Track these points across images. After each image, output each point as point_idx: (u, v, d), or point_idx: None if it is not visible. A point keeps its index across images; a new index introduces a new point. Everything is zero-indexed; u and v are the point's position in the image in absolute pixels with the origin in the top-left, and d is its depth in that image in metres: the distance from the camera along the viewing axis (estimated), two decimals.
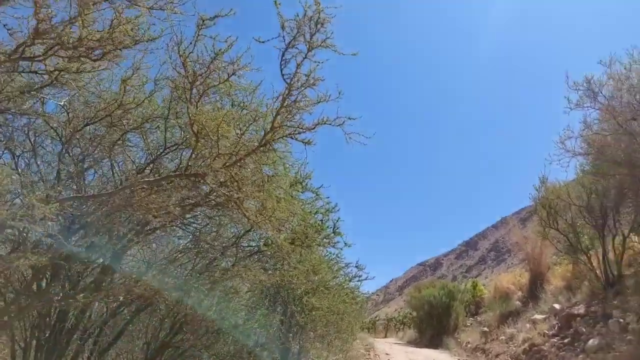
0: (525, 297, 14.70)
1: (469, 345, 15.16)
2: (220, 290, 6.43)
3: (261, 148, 3.46)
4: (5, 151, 4.67)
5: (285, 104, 3.25)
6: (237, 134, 3.63)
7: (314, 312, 7.50)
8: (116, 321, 6.96)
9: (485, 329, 14.98)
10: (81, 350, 6.50)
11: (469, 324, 17.87)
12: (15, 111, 4.24)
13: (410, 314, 27.93)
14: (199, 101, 3.47)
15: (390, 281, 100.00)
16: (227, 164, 3.41)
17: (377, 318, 47.37)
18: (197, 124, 3.40)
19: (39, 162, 5.23)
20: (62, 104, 4.31)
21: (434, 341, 18.64)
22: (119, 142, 5.15)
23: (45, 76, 3.72)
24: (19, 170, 4.91)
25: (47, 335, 6.17)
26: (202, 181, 3.47)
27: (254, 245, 6.71)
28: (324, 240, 6.80)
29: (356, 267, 8.85)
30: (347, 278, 9.00)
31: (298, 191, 6.11)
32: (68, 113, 4.31)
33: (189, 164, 3.56)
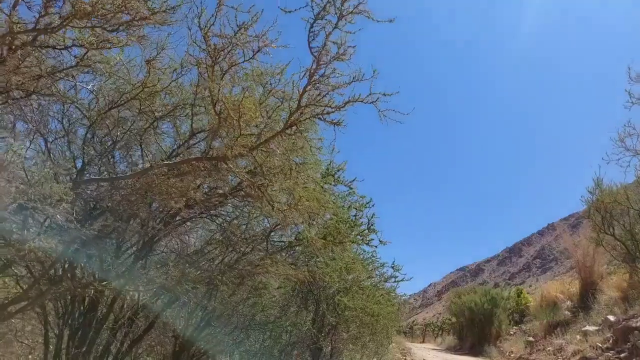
0: (576, 307, 13.76)
1: (512, 355, 14.35)
2: (250, 285, 6.24)
3: (287, 130, 3.19)
4: (36, 135, 4.65)
5: (313, 80, 2.96)
6: (263, 117, 3.38)
7: (346, 312, 7.18)
8: (147, 313, 6.92)
9: (531, 338, 14.15)
10: (112, 340, 6.48)
11: (512, 333, 17.00)
12: (46, 93, 4.19)
13: (450, 320, 27.05)
14: (222, 79, 3.24)
15: (429, 285, 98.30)
16: (252, 147, 3.16)
17: (415, 322, 46.44)
18: (219, 104, 3.18)
19: (72, 149, 5.21)
20: (89, 87, 4.22)
21: (474, 349, 17.87)
22: (149, 128, 5.04)
23: (71, 55, 3.63)
24: (51, 155, 4.89)
25: (79, 323, 6.16)
26: (224, 165, 3.24)
27: (284, 240, 6.48)
28: (358, 237, 6.46)
29: (392, 267, 8.46)
30: (382, 278, 8.62)
31: (330, 184, 5.81)
32: (97, 97, 4.22)
33: (210, 146, 3.34)
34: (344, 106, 2.97)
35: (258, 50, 3.31)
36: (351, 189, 6.10)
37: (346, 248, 6.50)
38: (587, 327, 11.19)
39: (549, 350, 12.21)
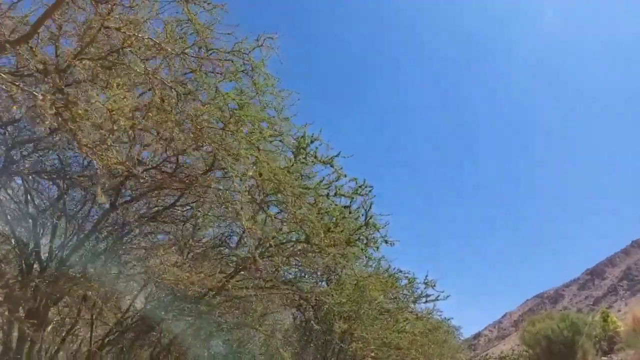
0: None
1: None
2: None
3: None
4: None
5: None
6: None
7: (354, 345, 5.34)
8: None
9: None
10: None
11: None
12: None
13: (526, 351, 23.90)
14: None
15: (503, 316, 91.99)
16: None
17: (488, 356, 42.68)
18: None
19: None
20: None
21: None
22: None
23: None
24: None
25: None
26: None
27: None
28: (353, 236, 4.68)
29: (425, 283, 6.50)
30: (412, 298, 6.62)
31: (304, 163, 4.20)
32: None
33: None
34: None
35: None
36: (332, 166, 4.39)
37: (345, 256, 4.78)
38: None
39: None
